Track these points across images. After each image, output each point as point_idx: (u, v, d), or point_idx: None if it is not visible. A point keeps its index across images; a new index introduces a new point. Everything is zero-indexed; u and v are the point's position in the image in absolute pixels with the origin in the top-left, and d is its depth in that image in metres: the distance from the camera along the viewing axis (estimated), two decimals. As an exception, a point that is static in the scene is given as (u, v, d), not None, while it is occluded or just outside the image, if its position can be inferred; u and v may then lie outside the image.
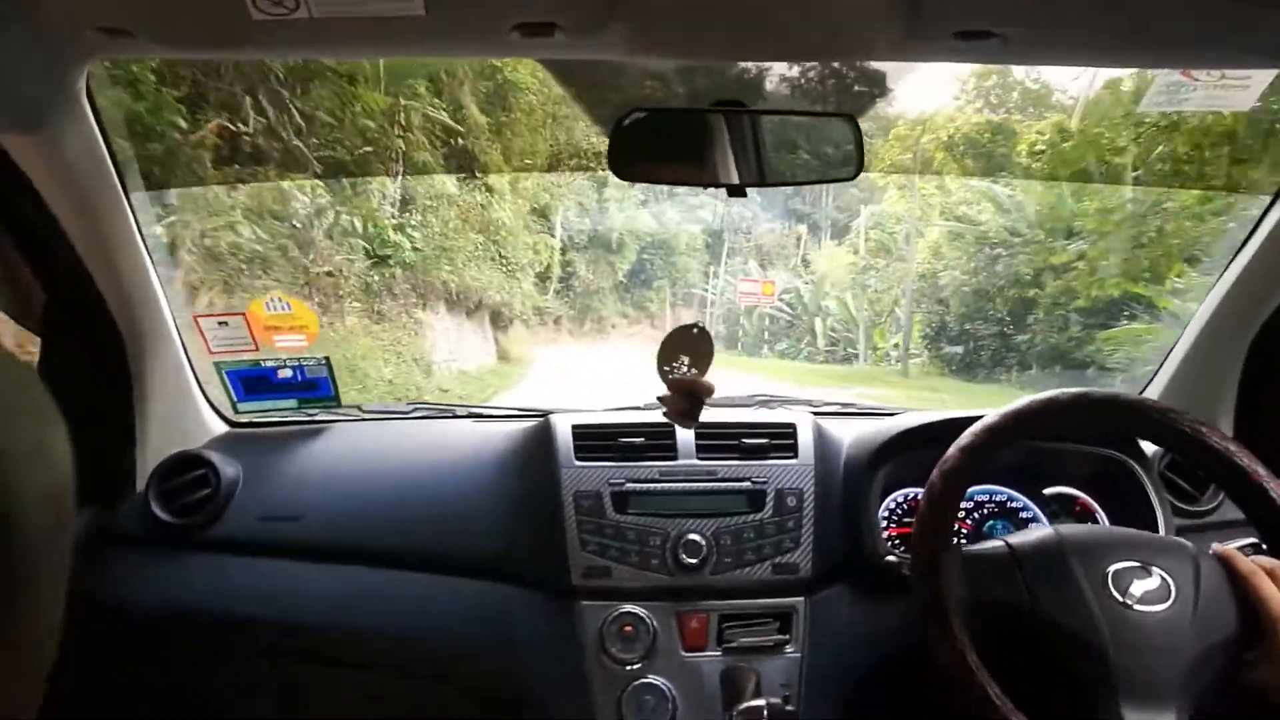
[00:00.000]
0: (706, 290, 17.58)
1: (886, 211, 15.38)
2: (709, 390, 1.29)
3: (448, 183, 11.05)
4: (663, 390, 1.34)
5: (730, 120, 1.12)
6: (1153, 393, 1.58)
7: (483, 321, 12.59)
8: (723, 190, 1.14)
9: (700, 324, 1.26)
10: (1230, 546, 1.10)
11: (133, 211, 1.30)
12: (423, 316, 10.40)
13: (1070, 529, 1.15)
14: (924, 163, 13.55)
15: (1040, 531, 1.14)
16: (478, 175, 11.48)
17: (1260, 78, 1.14)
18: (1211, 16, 0.89)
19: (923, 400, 10.92)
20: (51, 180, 1.14)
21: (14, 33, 0.95)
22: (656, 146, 1.13)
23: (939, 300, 13.14)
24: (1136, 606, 1.02)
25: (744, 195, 1.13)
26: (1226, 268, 1.42)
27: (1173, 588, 1.03)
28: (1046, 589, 1.07)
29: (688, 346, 1.31)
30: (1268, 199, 1.35)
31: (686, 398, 1.30)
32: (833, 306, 15.58)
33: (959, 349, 12.68)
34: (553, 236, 15.56)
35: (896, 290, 14.41)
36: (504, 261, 12.94)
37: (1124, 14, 0.90)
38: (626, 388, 1.79)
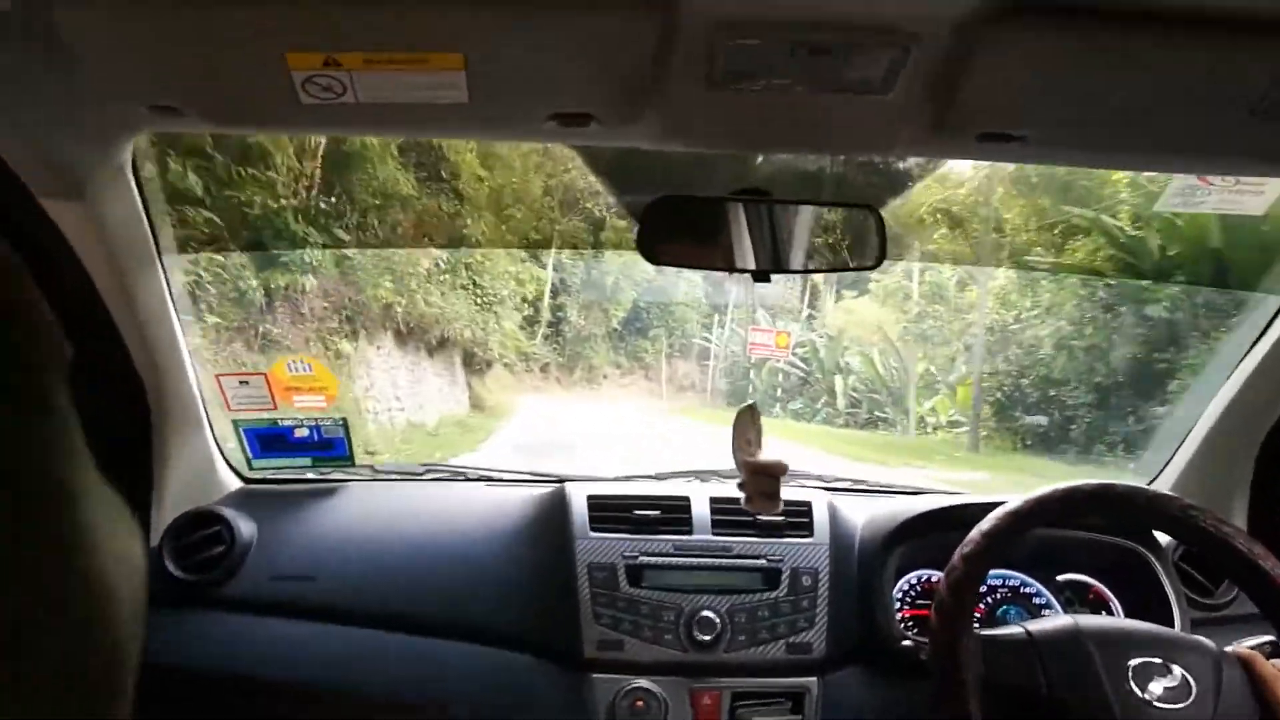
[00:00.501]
0: (710, 340, 16.60)
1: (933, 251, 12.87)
2: (784, 468, 1.26)
3: (401, 180, 8.81)
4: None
5: (754, 208, 1.15)
6: (1164, 483, 1.58)
7: (451, 363, 11.18)
8: (748, 275, 1.17)
9: (753, 404, 1.26)
10: (1249, 646, 1.10)
11: (165, 274, 1.33)
12: (348, 348, 8.24)
13: (1089, 620, 1.15)
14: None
15: (1059, 620, 1.14)
16: (445, 177, 9.52)
17: (1276, 184, 1.17)
18: (1230, 128, 0.91)
19: (1015, 484, 8.21)
20: (90, 242, 1.16)
21: (66, 103, 0.98)
22: (683, 232, 1.16)
23: (1010, 360, 11.10)
24: (1156, 704, 1.02)
25: (769, 281, 1.15)
26: (1241, 360, 1.43)
27: (1193, 687, 1.03)
28: (1065, 678, 1.06)
29: (749, 429, 1.31)
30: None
31: (768, 477, 1.29)
32: (856, 364, 13.91)
33: (1040, 420, 10.63)
34: (541, 267, 14.63)
35: (954, 346, 12.62)
36: (478, 291, 11.83)
37: (1145, 123, 0.93)
38: (632, 451, 1.77)
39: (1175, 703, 1.02)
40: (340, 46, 0.83)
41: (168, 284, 1.34)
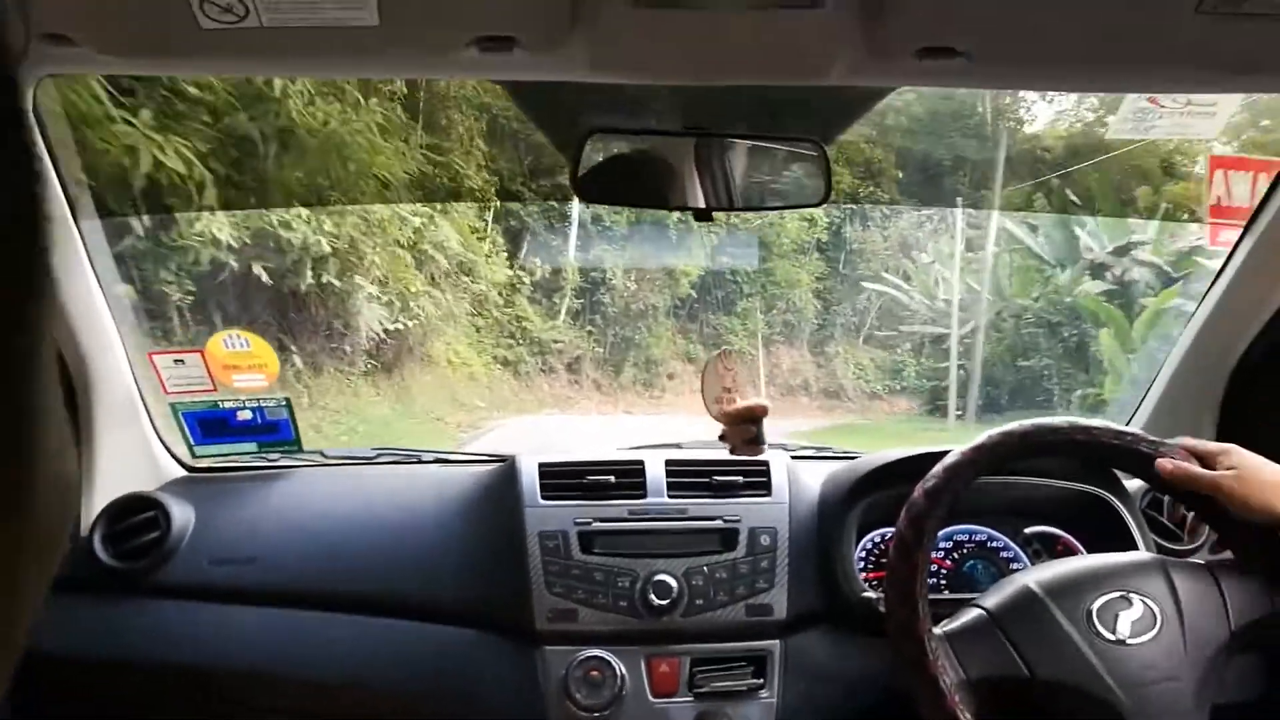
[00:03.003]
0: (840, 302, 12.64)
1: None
2: (763, 410, 1.26)
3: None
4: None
5: (694, 143, 1.11)
6: (1136, 424, 1.55)
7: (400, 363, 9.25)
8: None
9: (725, 350, 1.23)
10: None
11: (83, 241, 1.27)
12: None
13: (1038, 573, 1.11)
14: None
15: (1012, 585, 1.10)
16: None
17: (1225, 105, 1.14)
18: (1177, 28, 0.88)
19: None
20: None
21: None
22: (621, 168, 1.12)
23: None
24: (1129, 642, 1.00)
25: (710, 219, 1.12)
26: (1204, 297, 1.41)
27: (1157, 613, 1.01)
28: (1037, 649, 1.03)
29: (723, 377, 1.28)
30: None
31: (747, 425, 1.25)
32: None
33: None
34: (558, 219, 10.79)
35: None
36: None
37: (1089, 29, 0.90)
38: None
39: (1145, 634, 0.99)
40: None
41: (87, 253, 1.28)
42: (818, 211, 11.20)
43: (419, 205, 9.07)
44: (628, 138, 1.12)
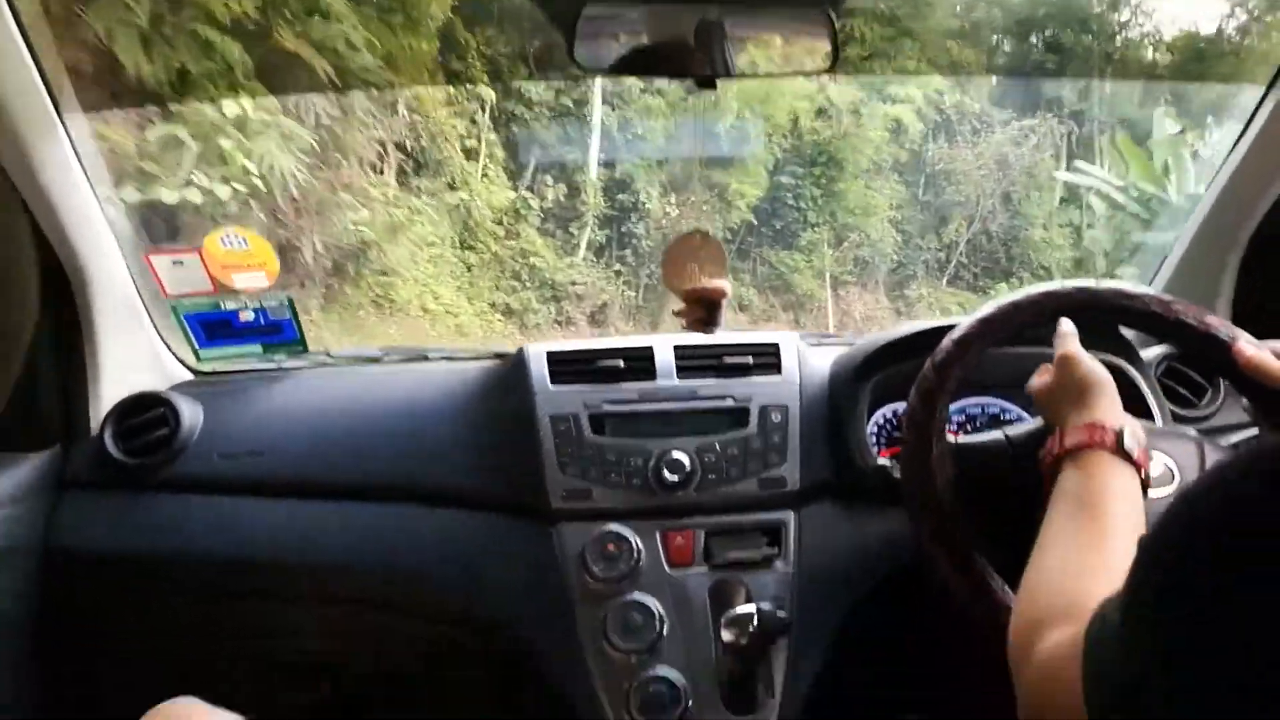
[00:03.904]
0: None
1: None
2: (721, 292, 1.26)
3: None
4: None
5: (696, 7, 1.06)
6: (1157, 286, 1.54)
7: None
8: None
9: (704, 230, 1.21)
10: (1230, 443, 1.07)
11: (69, 137, 1.23)
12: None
13: None
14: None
15: (1038, 423, 1.10)
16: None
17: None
18: None
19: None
20: None
21: None
22: (619, 36, 1.08)
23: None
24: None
25: (714, 87, 1.08)
26: (1222, 165, 1.38)
27: (1175, 470, 1.00)
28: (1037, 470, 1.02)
29: (695, 255, 1.26)
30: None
31: (702, 305, 1.25)
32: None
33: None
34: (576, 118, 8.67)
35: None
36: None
37: None
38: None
39: (1160, 486, 0.98)
40: None
41: (75, 151, 1.24)
42: (904, 117, 9.85)
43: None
44: (626, 4, 1.07)
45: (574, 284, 8.59)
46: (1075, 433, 0.90)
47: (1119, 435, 0.87)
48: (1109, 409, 0.93)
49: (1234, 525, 0.47)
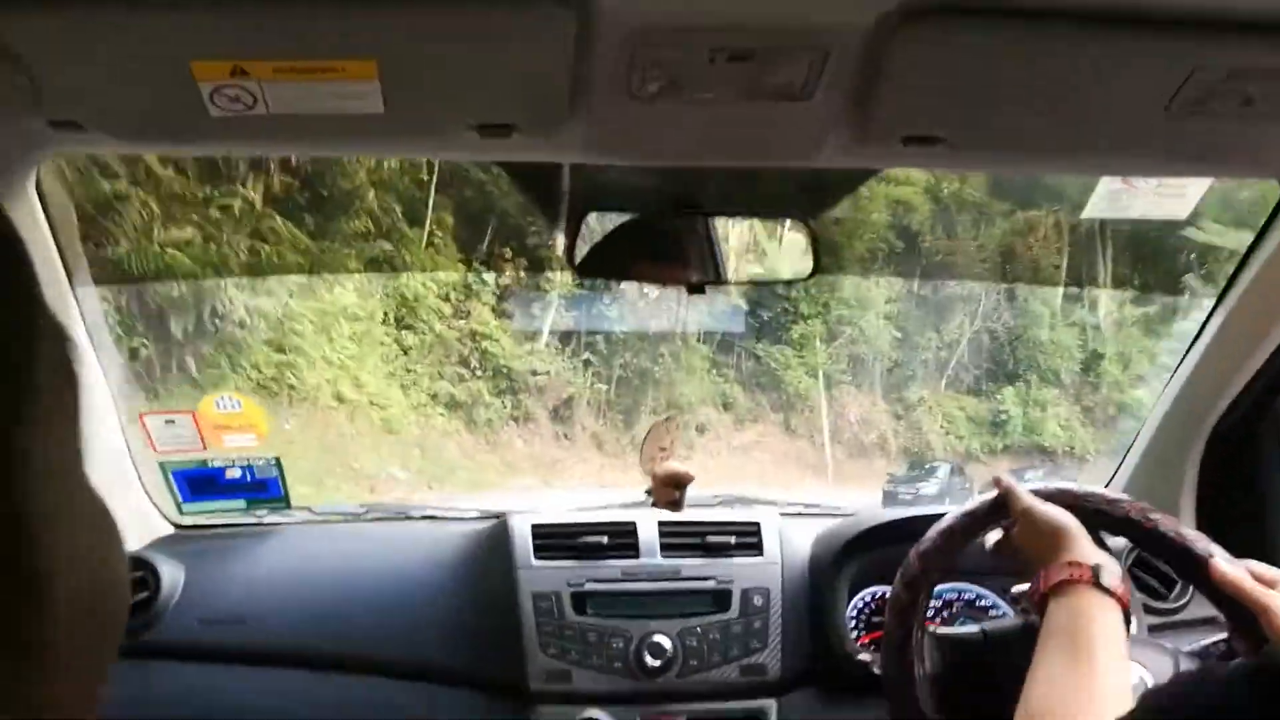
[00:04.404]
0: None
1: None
2: (689, 478, 1.34)
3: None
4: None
5: (686, 220, 1.14)
6: (1117, 484, 1.58)
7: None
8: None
9: (672, 416, 1.28)
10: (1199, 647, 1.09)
11: (79, 307, 1.28)
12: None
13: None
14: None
15: (1015, 620, 1.13)
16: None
17: (1195, 188, 1.19)
18: (1146, 126, 0.93)
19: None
20: None
21: None
22: (613, 245, 1.15)
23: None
24: None
25: (703, 293, 1.15)
26: (1176, 369, 1.45)
27: (1149, 682, 1.01)
28: (1017, 672, 1.03)
29: (665, 438, 1.32)
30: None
31: (673, 487, 1.30)
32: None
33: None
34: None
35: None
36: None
37: (1061, 122, 0.94)
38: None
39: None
40: (248, 54, 0.81)
41: (83, 319, 1.29)
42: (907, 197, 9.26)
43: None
44: (621, 216, 1.15)
45: (535, 373, 7.33)
46: (1057, 570, 0.95)
47: (1095, 570, 0.93)
48: (1083, 548, 0.98)
49: None
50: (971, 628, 1.14)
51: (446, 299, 7.59)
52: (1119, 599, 0.93)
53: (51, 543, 0.33)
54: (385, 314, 7.27)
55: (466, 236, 7.61)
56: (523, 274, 7.78)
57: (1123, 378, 9.56)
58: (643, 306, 8.09)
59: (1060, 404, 9.55)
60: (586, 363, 7.92)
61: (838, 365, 9.26)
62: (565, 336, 7.90)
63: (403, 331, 7.42)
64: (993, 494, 1.13)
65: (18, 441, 0.32)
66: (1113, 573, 0.95)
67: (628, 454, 7.23)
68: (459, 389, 7.26)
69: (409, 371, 7.33)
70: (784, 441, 8.17)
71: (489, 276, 7.78)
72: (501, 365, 7.42)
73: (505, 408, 7.36)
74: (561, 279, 7.65)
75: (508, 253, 7.62)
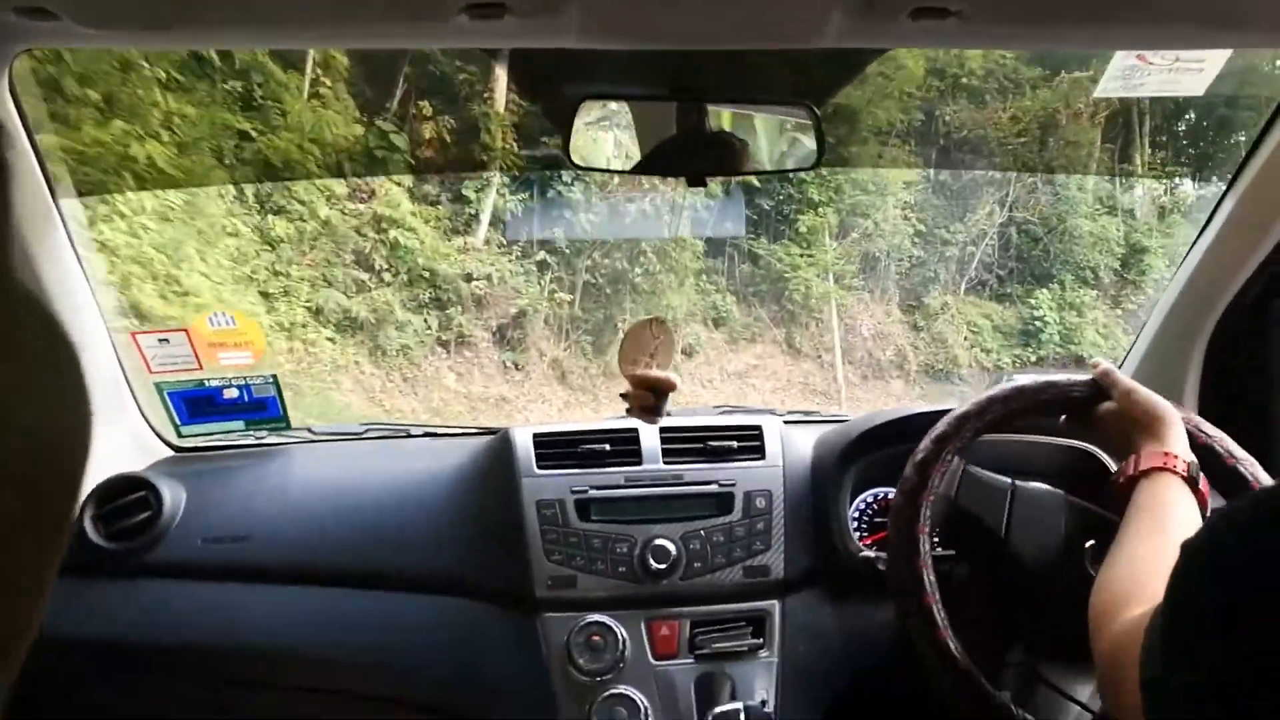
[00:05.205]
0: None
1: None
2: (671, 385, 1.27)
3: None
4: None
5: (687, 109, 1.11)
6: (1127, 368, 1.57)
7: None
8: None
9: (660, 317, 1.24)
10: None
11: (63, 221, 1.24)
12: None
13: (1077, 499, 1.15)
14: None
15: (1047, 487, 1.15)
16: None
17: (1214, 61, 1.15)
18: None
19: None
20: None
21: None
22: (611, 135, 1.11)
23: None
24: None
25: (704, 185, 1.11)
26: (1187, 254, 1.43)
27: None
28: (1025, 525, 1.11)
29: (648, 343, 1.28)
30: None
31: (650, 393, 1.27)
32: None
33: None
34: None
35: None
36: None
37: None
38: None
39: None
40: None
41: (68, 234, 1.25)
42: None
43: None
44: (619, 105, 1.11)
45: (470, 279, 5.56)
46: (1150, 458, 1.00)
47: (1189, 465, 0.99)
48: (1179, 442, 1.03)
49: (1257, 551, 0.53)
50: (1002, 479, 1.16)
51: (337, 170, 5.64)
52: (1203, 499, 0.97)
53: None
54: (238, 189, 5.37)
55: (368, 85, 5.84)
56: (449, 139, 5.82)
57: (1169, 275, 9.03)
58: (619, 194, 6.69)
59: (1098, 307, 8.46)
60: (542, 265, 5.84)
61: (850, 266, 7.85)
62: (513, 228, 5.92)
63: (268, 216, 5.24)
64: (984, 395, 1.15)
65: None
66: (1201, 474, 0.99)
67: (599, 387, 5.87)
68: (357, 301, 5.26)
69: (277, 275, 5.35)
70: (787, 363, 6.98)
71: (400, 140, 5.70)
72: (421, 267, 5.39)
73: (428, 328, 5.48)
74: (504, 146, 5.83)
75: (428, 109, 5.73)
